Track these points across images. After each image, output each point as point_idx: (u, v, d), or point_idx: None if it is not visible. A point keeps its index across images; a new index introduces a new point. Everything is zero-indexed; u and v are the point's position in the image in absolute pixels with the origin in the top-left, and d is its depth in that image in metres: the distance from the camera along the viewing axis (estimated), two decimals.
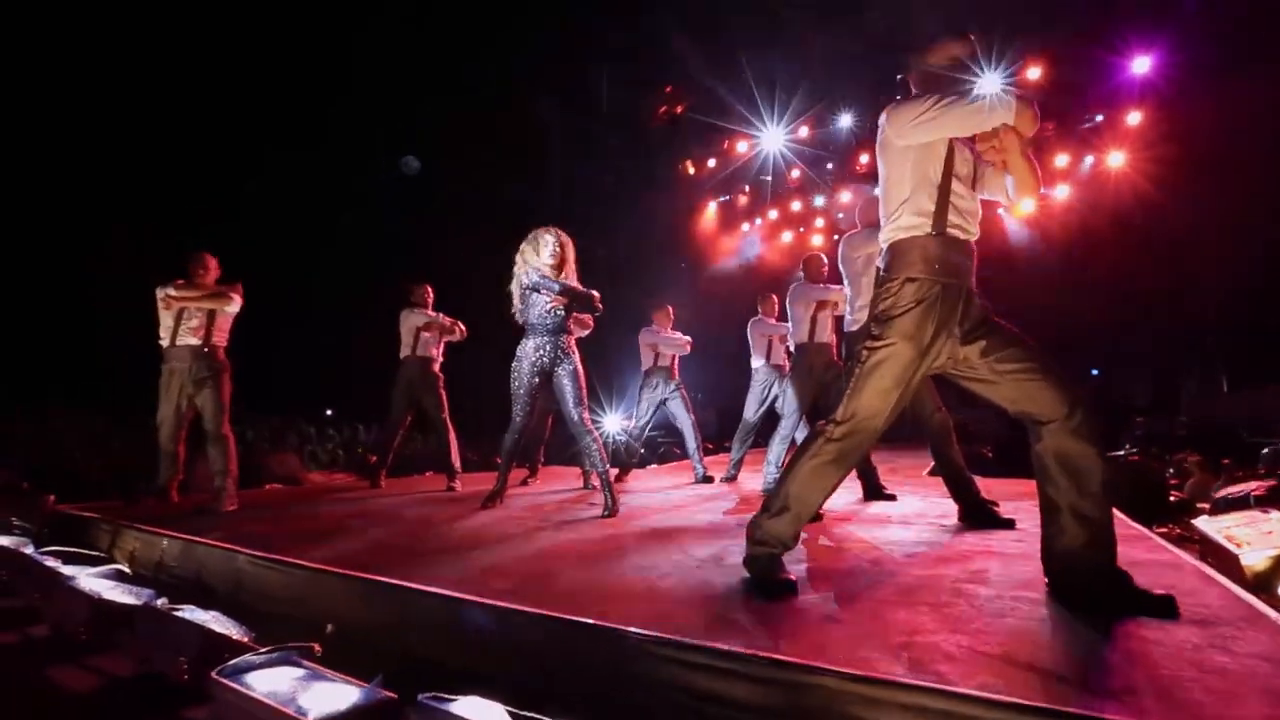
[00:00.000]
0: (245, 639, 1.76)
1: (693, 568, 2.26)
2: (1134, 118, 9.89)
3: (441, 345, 5.03)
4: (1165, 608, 1.67)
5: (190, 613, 1.84)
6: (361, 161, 11.32)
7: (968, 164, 1.95)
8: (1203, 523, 2.96)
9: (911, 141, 1.90)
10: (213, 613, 1.86)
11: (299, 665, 1.55)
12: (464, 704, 1.27)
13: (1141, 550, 2.42)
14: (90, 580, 2.27)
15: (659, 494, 4.48)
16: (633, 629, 1.58)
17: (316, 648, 1.53)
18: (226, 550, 2.59)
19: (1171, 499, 4.18)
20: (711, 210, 13.04)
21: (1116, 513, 3.22)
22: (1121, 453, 6.12)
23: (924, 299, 1.87)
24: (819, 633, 1.60)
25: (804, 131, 11.51)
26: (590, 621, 1.65)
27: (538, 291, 3.47)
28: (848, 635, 1.57)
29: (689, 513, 3.53)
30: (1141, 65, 9.49)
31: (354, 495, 4.49)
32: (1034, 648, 1.46)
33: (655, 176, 12.50)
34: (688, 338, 5.33)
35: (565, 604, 1.79)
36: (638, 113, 12.16)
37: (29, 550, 2.69)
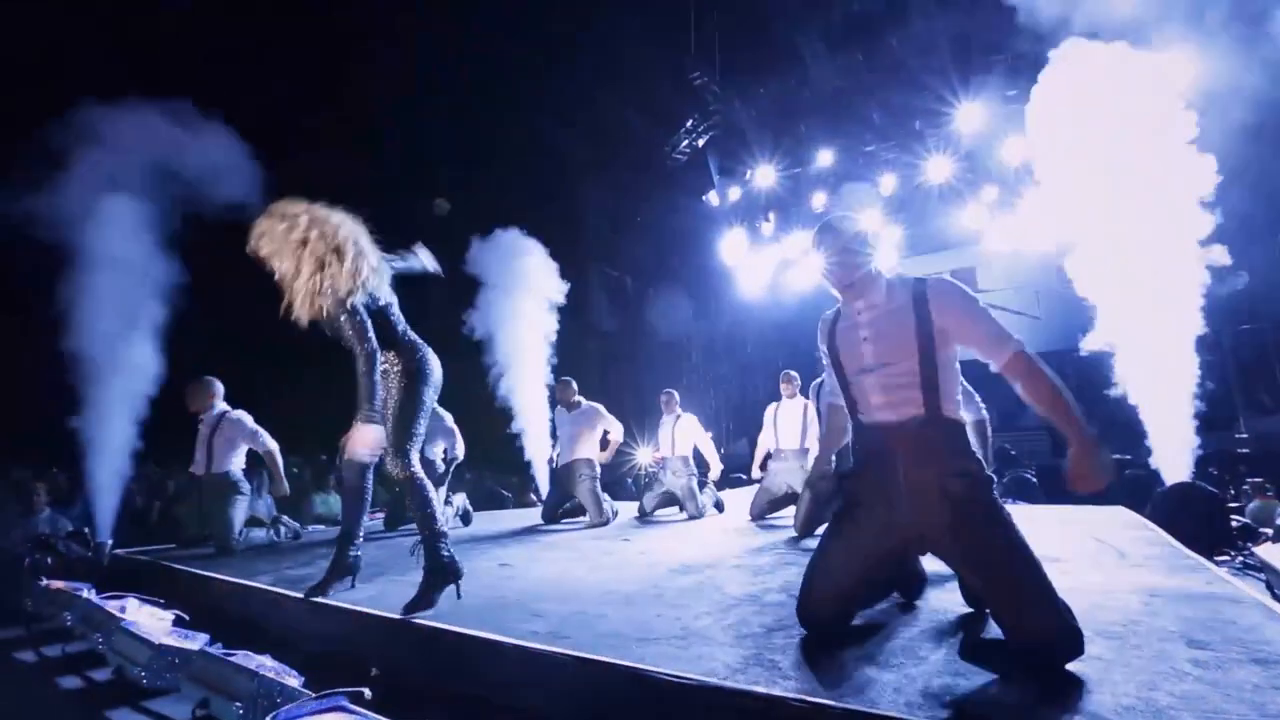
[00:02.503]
0: (296, 683, 1.81)
1: (728, 607, 2.25)
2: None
3: None
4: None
5: (244, 658, 1.90)
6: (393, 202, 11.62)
7: None
8: (1266, 551, 2.82)
9: None
10: (266, 656, 1.92)
11: (348, 711, 1.59)
12: None
13: (1199, 582, 2.33)
14: (149, 625, 2.37)
15: (695, 532, 4.46)
16: (669, 672, 1.59)
17: (367, 693, 1.57)
18: (275, 594, 2.68)
19: (1233, 524, 3.98)
20: (736, 241, 12.95)
21: (1172, 541, 3.09)
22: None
23: None
24: (858, 675, 1.58)
25: (827, 159, 11.54)
26: (628, 664, 1.66)
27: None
28: (888, 677, 1.55)
29: (720, 552, 3.51)
30: None
31: (393, 535, 4.59)
32: (1080, 691, 1.42)
33: (678, 209, 12.67)
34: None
35: (604, 647, 1.81)
36: (660, 146, 12.41)
37: (91, 595, 2.82)
